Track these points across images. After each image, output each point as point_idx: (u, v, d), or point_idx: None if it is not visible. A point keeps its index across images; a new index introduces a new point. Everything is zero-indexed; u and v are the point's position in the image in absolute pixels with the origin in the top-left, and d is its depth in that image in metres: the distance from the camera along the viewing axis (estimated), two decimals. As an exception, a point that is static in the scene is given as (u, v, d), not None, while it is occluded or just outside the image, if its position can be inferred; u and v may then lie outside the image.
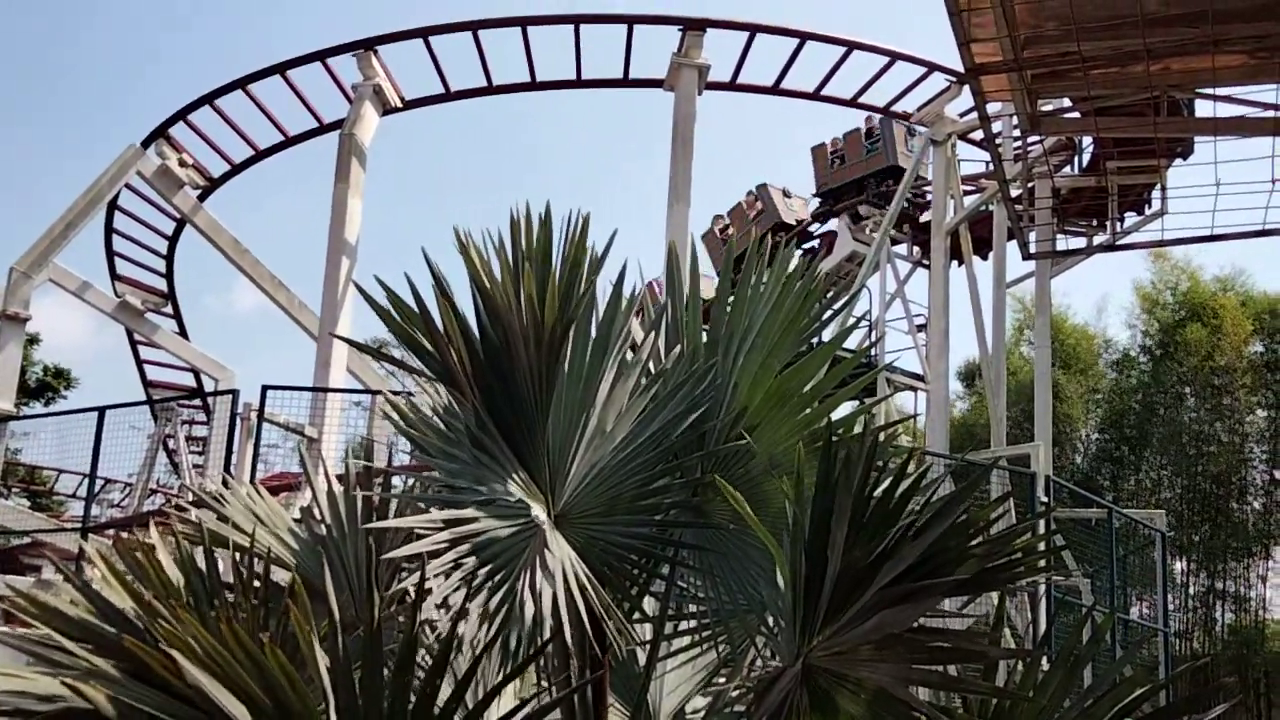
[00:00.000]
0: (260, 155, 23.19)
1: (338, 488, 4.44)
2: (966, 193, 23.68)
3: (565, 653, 3.95)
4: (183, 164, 22.29)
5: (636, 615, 4.20)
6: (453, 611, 3.21)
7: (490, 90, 21.84)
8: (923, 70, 21.77)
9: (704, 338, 4.44)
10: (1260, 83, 13.57)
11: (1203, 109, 17.27)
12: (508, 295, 3.93)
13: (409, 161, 76.50)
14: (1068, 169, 22.31)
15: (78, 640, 3.19)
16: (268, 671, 2.81)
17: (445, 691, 2.97)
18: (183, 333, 25.87)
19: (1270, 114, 14.36)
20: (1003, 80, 13.20)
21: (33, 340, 24.46)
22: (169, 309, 25.56)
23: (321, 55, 20.77)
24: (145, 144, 21.84)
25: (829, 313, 4.47)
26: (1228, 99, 14.88)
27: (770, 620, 3.94)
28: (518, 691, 4.32)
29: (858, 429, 3.86)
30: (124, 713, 2.82)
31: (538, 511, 3.83)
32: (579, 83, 21.77)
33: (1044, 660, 3.95)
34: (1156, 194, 21.36)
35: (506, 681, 3.12)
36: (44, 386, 36.67)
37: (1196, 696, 9.63)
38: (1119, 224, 22.00)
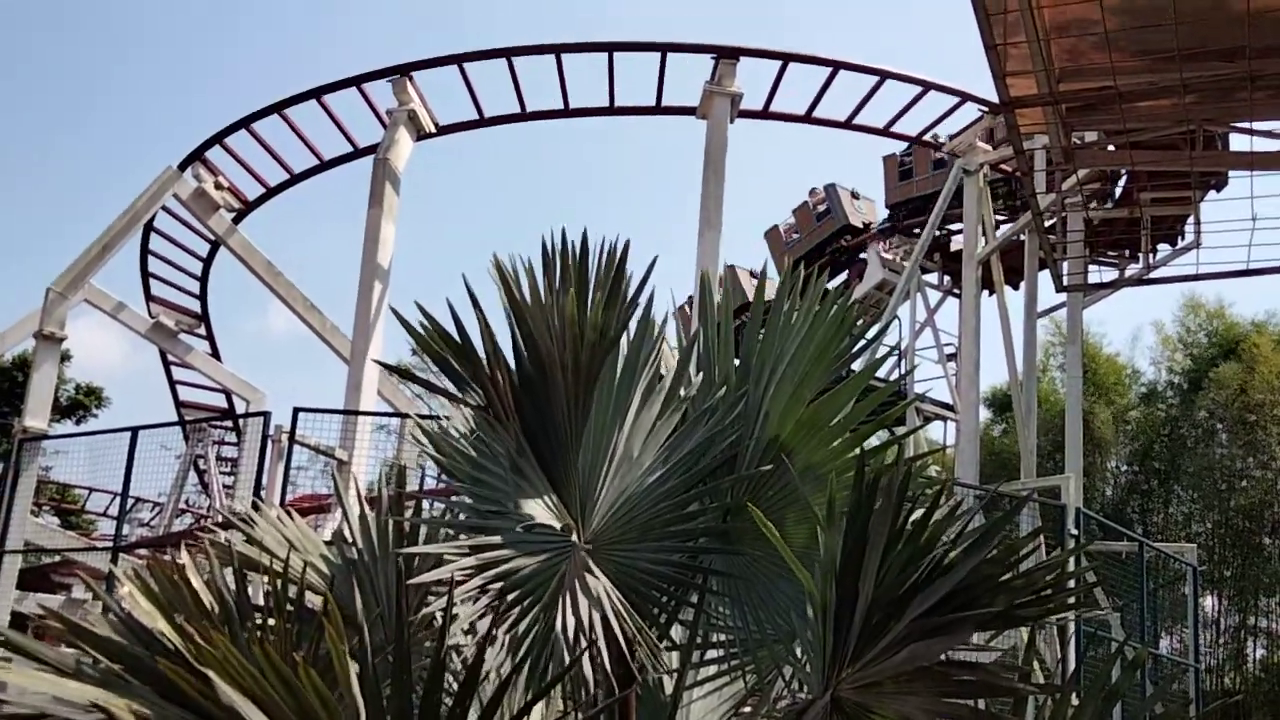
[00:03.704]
0: (295, 179, 23.29)
1: (369, 511, 4.45)
2: (1000, 222, 23.61)
3: (593, 679, 3.95)
4: (218, 187, 22.43)
5: (664, 643, 4.19)
6: (479, 636, 3.21)
7: (523, 116, 21.90)
8: (955, 100, 21.74)
9: (735, 364, 4.44)
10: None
11: (1237, 142, 17.20)
12: (544, 321, 3.95)
13: (441, 185, 76.90)
14: (1097, 201, 22.22)
15: (110, 660, 3.21)
16: (300, 693, 2.83)
17: (473, 715, 2.98)
18: (215, 354, 26.01)
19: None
20: (1037, 113, 13.19)
21: (64, 357, 24.65)
22: (202, 330, 25.71)
23: (357, 80, 20.89)
24: (182, 167, 21.99)
25: (861, 343, 4.46)
26: (1266, 134, 14.81)
27: (799, 650, 3.92)
28: (544, 718, 4.31)
29: (889, 459, 3.86)
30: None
31: (571, 538, 3.84)
32: (612, 110, 21.81)
33: (1073, 696, 3.92)
34: (1190, 225, 21.23)
35: (534, 701, 3.12)
36: (75, 404, 36.97)
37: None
38: (1151, 256, 21.87)
